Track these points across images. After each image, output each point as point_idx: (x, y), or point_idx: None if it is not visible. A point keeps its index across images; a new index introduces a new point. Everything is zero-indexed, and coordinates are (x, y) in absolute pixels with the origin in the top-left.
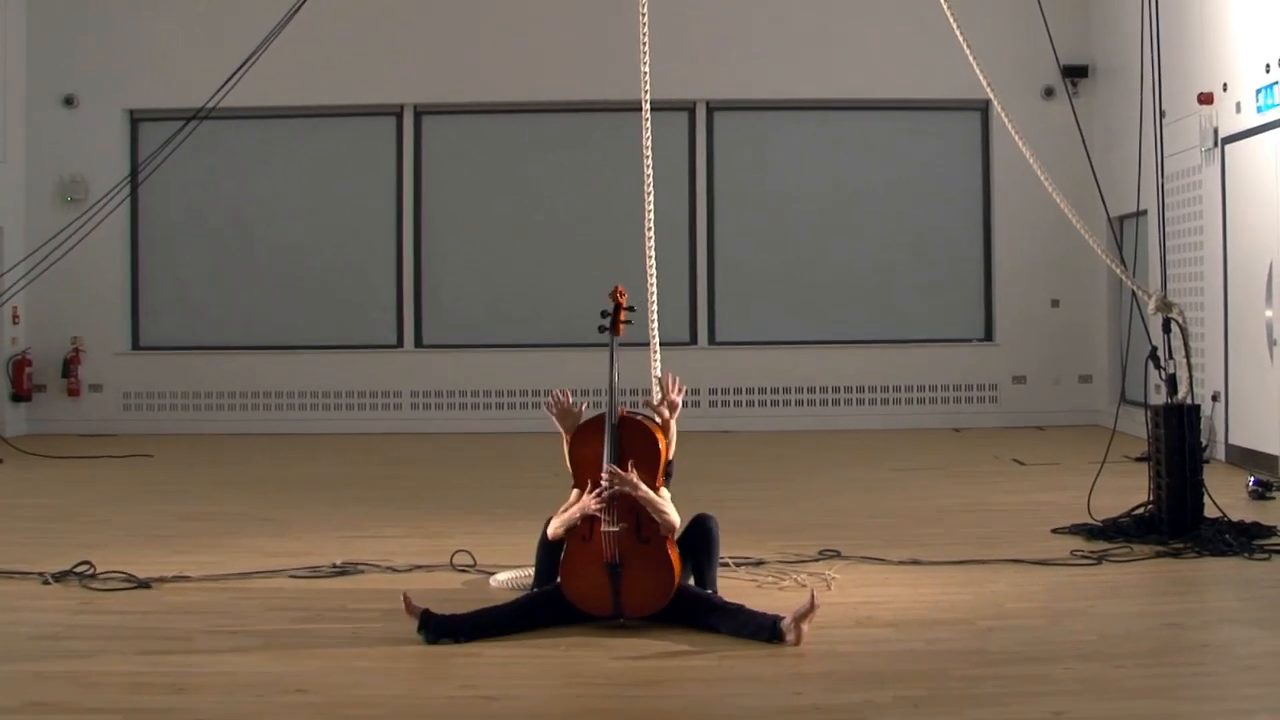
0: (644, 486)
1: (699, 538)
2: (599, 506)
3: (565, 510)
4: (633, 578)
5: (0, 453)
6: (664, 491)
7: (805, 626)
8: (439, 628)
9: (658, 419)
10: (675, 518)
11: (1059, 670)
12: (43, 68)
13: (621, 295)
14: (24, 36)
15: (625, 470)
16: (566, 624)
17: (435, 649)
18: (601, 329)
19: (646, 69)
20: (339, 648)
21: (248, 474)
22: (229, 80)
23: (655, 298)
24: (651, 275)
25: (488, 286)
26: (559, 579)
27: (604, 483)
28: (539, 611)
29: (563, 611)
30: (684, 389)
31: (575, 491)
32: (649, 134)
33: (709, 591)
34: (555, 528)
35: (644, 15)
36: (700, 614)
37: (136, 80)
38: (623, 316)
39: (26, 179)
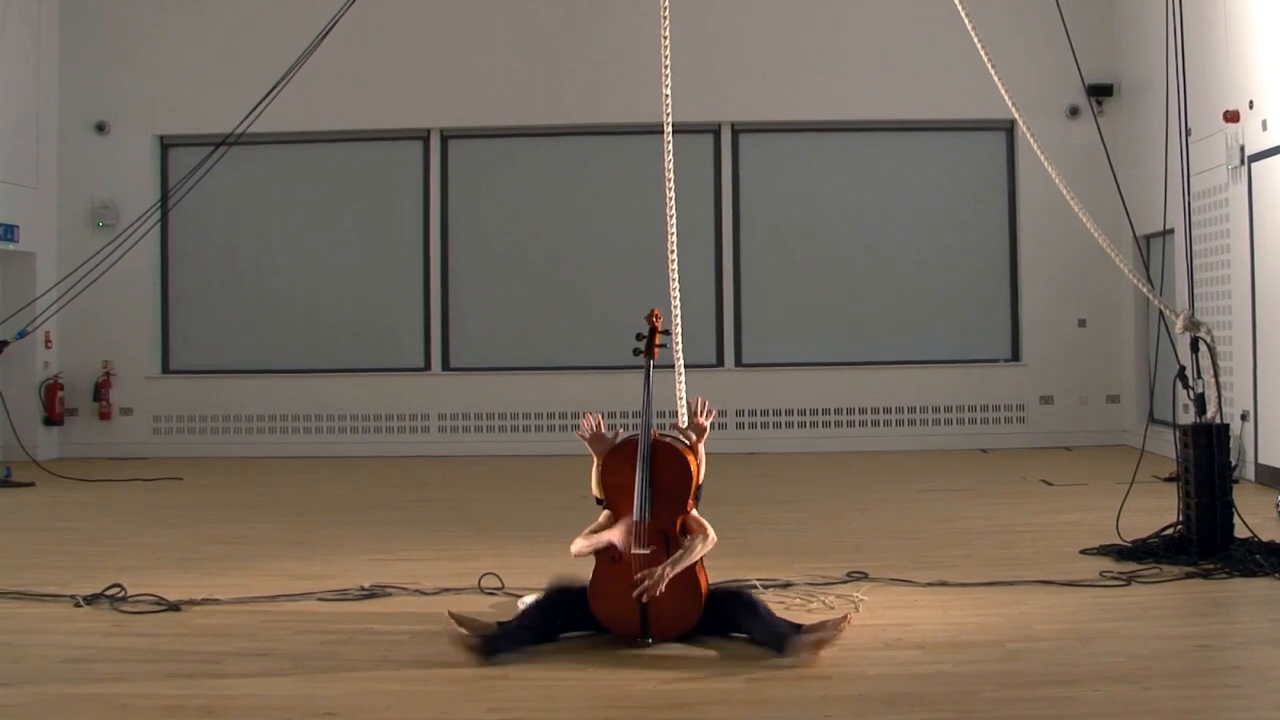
0: (677, 566)
1: (743, 609)
2: (626, 543)
3: (593, 531)
4: (661, 600)
5: (32, 476)
6: (694, 513)
7: (822, 650)
8: (492, 646)
9: (686, 441)
10: (710, 541)
11: (1089, 692)
12: (75, 94)
13: (657, 319)
14: (56, 63)
15: (656, 512)
16: (587, 625)
17: (464, 672)
18: (636, 352)
19: (668, 92)
20: (368, 670)
21: (276, 497)
22: (257, 106)
23: (680, 320)
24: (675, 297)
25: (515, 309)
26: (587, 594)
27: (645, 595)
28: (566, 610)
29: (582, 613)
30: (713, 413)
31: (605, 513)
32: (671, 157)
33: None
34: (580, 547)
35: (665, 38)
36: (732, 612)
37: (167, 106)
38: (658, 340)
39: (59, 204)
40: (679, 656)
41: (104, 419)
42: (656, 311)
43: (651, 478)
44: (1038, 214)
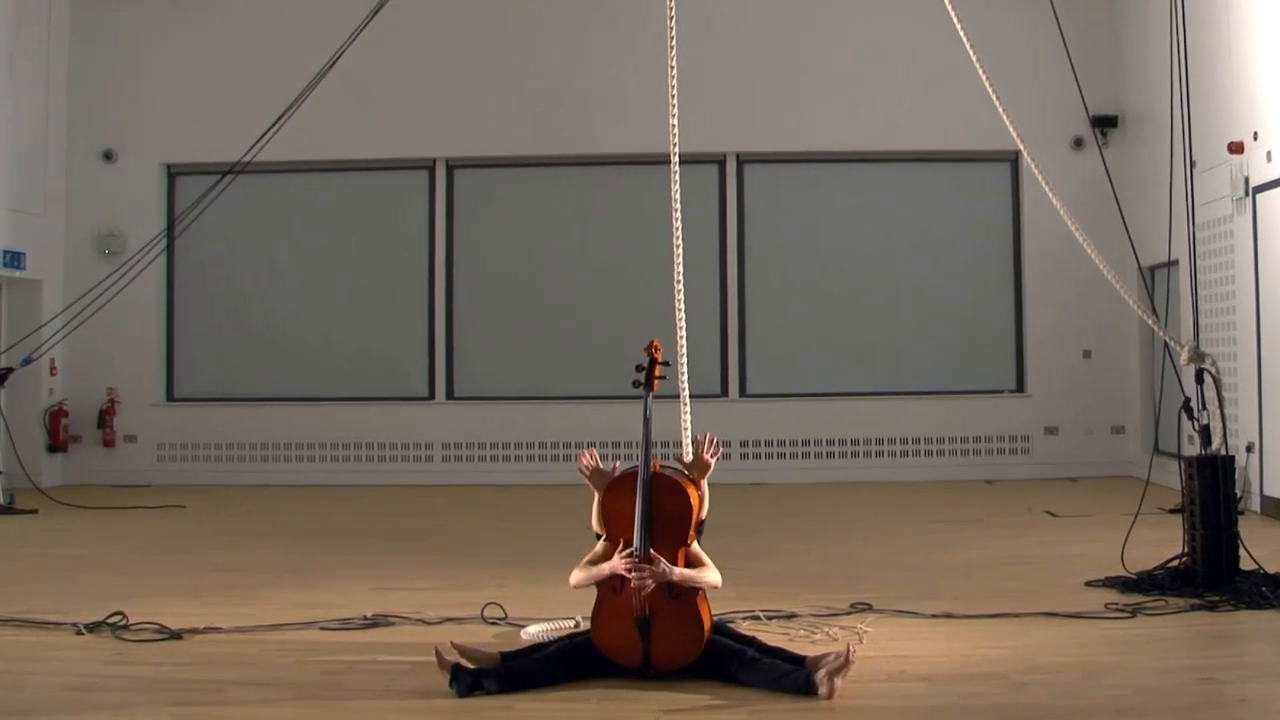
0: (677, 570)
1: (745, 668)
2: (628, 568)
3: (591, 562)
4: (663, 632)
5: (35, 503)
6: (695, 547)
7: (839, 680)
8: (470, 680)
9: (689, 475)
10: (716, 578)
11: None
12: (82, 122)
13: (657, 350)
14: (64, 91)
15: (656, 542)
16: (597, 675)
17: (466, 702)
18: (636, 384)
19: (675, 122)
20: (370, 700)
21: (279, 525)
22: (264, 135)
23: (685, 350)
24: (681, 328)
25: (519, 338)
26: (590, 628)
27: (633, 579)
28: (571, 662)
29: (594, 662)
30: (720, 451)
31: (603, 544)
32: (678, 187)
33: (745, 638)
34: (578, 579)
35: (673, 68)
36: (731, 668)
37: (173, 135)
38: (657, 372)
39: (65, 232)
40: (681, 687)
41: (108, 446)
42: (656, 343)
43: (650, 508)
44: (1042, 245)
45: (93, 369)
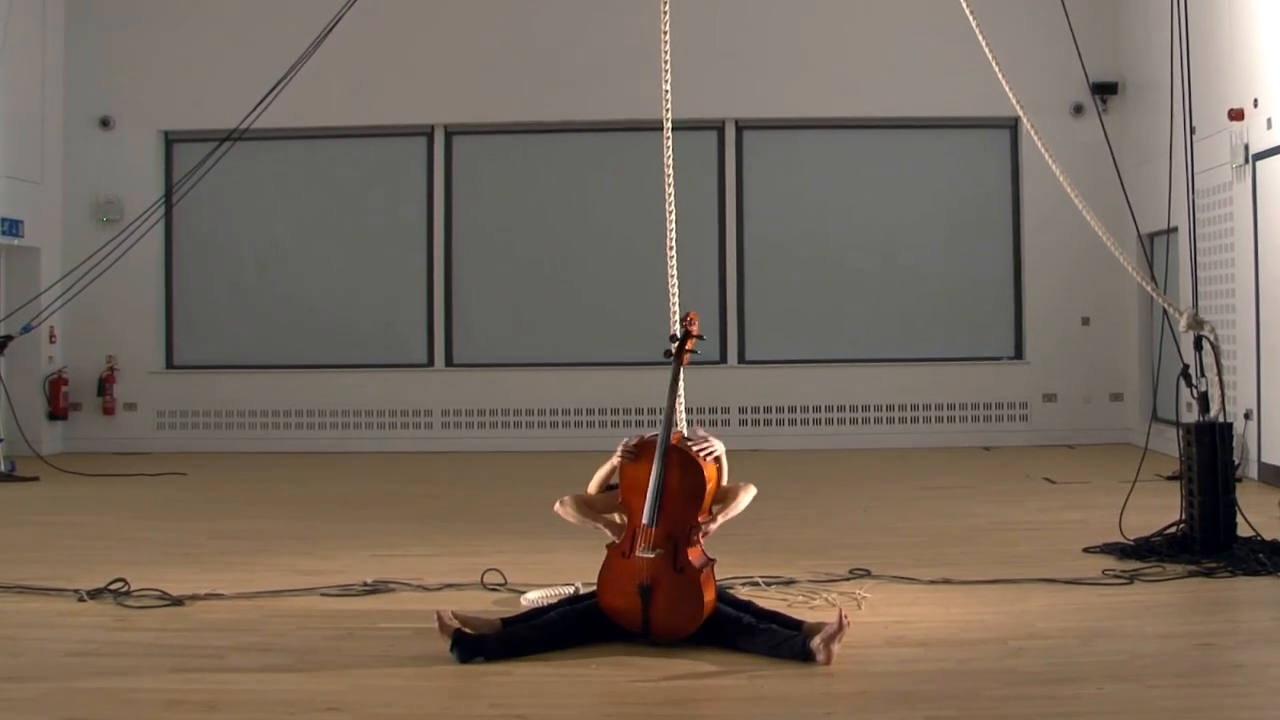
0: (723, 514)
1: (743, 634)
2: (625, 541)
3: (590, 504)
4: (662, 603)
5: (36, 470)
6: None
7: (835, 646)
8: (471, 646)
9: (711, 449)
10: (751, 489)
11: (1091, 690)
12: (79, 89)
13: (693, 323)
14: (61, 58)
15: (664, 516)
16: (598, 641)
17: (467, 668)
18: (667, 354)
19: (668, 88)
20: (370, 666)
21: (279, 492)
22: (262, 101)
23: (677, 316)
24: (674, 294)
25: (518, 305)
26: (595, 591)
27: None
28: (571, 629)
29: (595, 629)
30: (711, 456)
31: (607, 494)
32: (670, 153)
33: (742, 603)
34: (571, 515)
35: (666, 34)
36: (729, 635)
37: (171, 102)
38: (691, 345)
39: (63, 199)
40: (682, 654)
41: (108, 414)
42: (693, 315)
43: (664, 482)
44: (1042, 212)
45: (92, 337)
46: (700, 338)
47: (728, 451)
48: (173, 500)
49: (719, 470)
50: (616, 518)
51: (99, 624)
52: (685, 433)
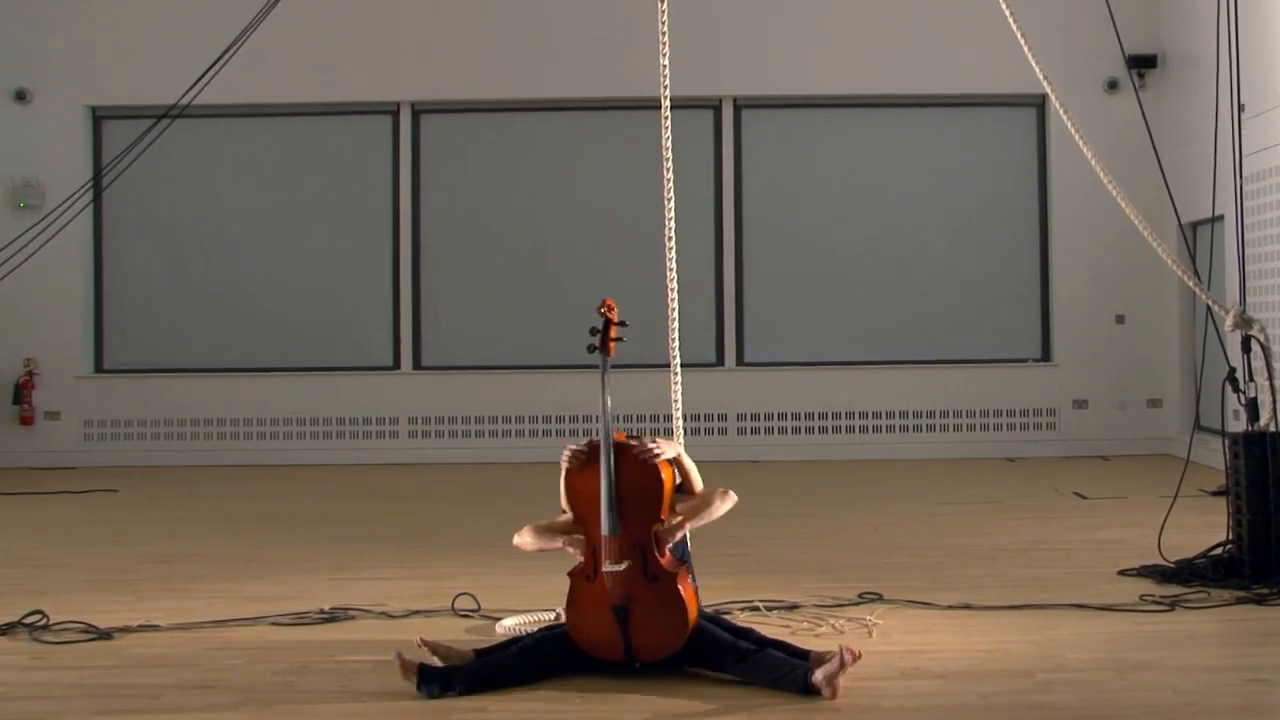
0: (693, 518)
1: (716, 648)
2: (588, 558)
3: (548, 530)
4: (642, 619)
5: None
6: (687, 462)
7: (840, 681)
8: (440, 680)
9: (657, 451)
10: (725, 504)
11: None
12: None
13: (611, 310)
14: None
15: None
16: (580, 670)
17: (437, 703)
18: (591, 349)
19: (666, 62)
20: (328, 703)
21: (225, 510)
22: (205, 74)
23: (677, 314)
24: (673, 289)
25: (494, 302)
26: (565, 622)
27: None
28: (550, 655)
29: (571, 658)
30: (656, 455)
31: (566, 516)
32: (669, 134)
33: (741, 630)
34: (527, 541)
35: (663, 4)
36: (725, 663)
37: (100, 74)
38: (613, 334)
39: None
40: (675, 687)
41: (25, 424)
42: (609, 301)
43: (617, 484)
44: (1071, 198)
45: (8, 337)
46: (623, 324)
47: (721, 462)
48: (102, 521)
49: (675, 472)
50: (580, 537)
51: (11, 663)
52: (679, 433)
